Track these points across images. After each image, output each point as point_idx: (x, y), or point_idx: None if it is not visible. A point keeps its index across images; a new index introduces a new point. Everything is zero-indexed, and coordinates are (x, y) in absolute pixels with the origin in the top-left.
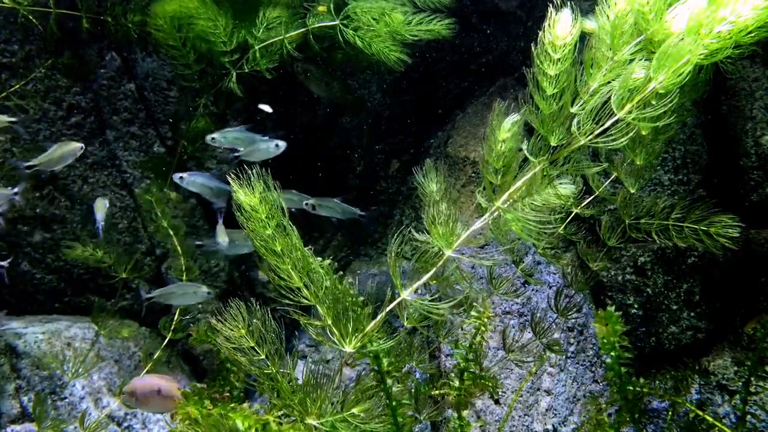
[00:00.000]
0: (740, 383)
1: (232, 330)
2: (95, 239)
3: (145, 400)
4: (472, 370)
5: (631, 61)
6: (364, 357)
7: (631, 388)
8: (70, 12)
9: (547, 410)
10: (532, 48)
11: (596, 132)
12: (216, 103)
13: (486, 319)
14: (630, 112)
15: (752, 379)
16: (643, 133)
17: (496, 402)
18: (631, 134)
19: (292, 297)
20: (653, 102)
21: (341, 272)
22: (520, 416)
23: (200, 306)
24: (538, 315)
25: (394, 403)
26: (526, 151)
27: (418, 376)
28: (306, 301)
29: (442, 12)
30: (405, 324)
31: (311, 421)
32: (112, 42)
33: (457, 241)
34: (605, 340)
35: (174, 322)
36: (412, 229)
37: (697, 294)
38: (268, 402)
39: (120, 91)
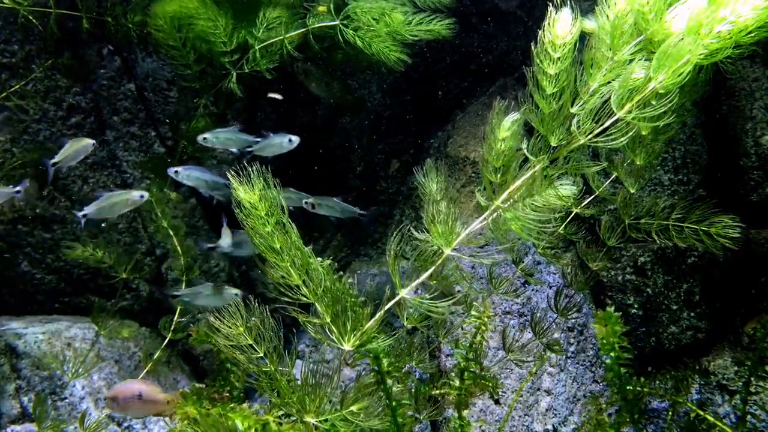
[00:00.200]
0: (740, 383)
1: (230, 327)
2: (95, 239)
3: (126, 405)
4: (472, 369)
5: (631, 61)
6: (364, 357)
7: (630, 388)
8: (70, 12)
9: (547, 410)
10: (532, 47)
11: (596, 131)
12: (216, 104)
13: (486, 319)
14: (630, 112)
15: (752, 379)
16: (643, 133)
17: (496, 402)
18: (630, 134)
19: (291, 295)
20: (653, 102)
21: (341, 272)
22: (520, 416)
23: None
24: (538, 315)
25: (394, 403)
26: (525, 151)
27: (418, 375)
28: (305, 299)
29: (442, 12)
30: (405, 324)
31: (309, 419)
32: (112, 42)
33: (456, 239)
34: (605, 341)
35: (174, 323)
36: (411, 227)
37: (697, 294)
38: (268, 402)
39: (120, 91)
